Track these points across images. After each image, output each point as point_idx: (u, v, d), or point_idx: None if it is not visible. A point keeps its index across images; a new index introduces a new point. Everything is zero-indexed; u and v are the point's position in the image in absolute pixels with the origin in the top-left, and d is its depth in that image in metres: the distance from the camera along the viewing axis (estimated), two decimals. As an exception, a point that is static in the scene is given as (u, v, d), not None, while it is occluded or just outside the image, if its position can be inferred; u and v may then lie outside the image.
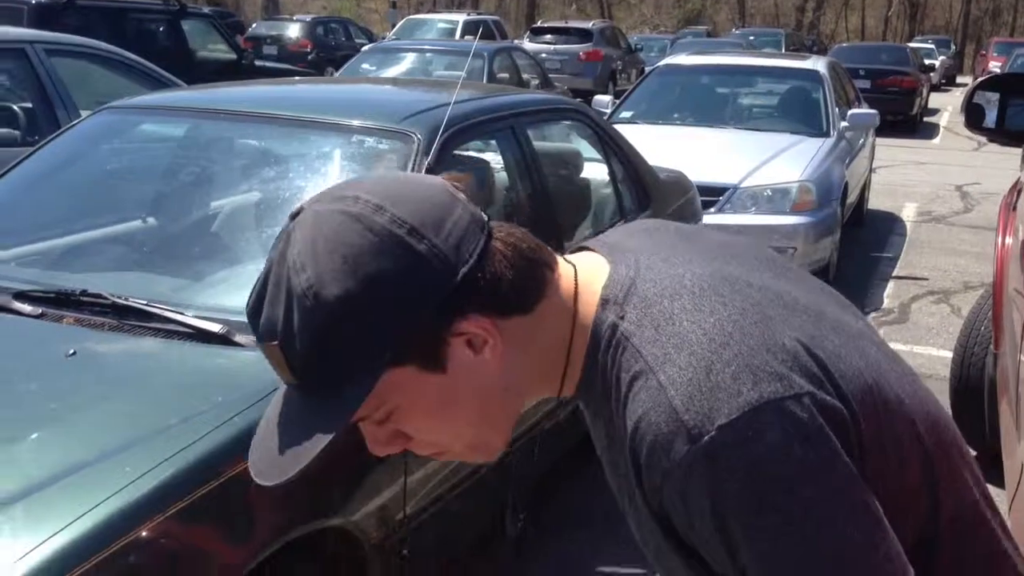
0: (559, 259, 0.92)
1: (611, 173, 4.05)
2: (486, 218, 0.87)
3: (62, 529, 1.67)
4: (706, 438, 0.77)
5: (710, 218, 5.35)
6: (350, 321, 0.80)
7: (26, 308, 2.45)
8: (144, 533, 1.73)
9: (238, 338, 2.32)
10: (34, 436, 1.97)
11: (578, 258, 0.94)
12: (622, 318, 0.86)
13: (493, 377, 0.86)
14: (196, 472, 1.88)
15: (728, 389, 0.79)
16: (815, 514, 0.77)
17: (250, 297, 0.85)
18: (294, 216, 0.86)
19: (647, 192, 4.14)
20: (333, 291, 0.80)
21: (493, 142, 3.51)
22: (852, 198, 7.37)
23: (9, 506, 1.74)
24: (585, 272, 0.91)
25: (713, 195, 5.70)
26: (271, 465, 0.83)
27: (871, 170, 8.98)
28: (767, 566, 0.79)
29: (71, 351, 2.27)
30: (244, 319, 2.38)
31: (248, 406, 2.05)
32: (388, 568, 2.24)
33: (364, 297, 0.80)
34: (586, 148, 4.19)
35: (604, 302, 0.88)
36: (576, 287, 0.90)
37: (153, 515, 1.76)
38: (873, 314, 6.17)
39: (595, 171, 4.21)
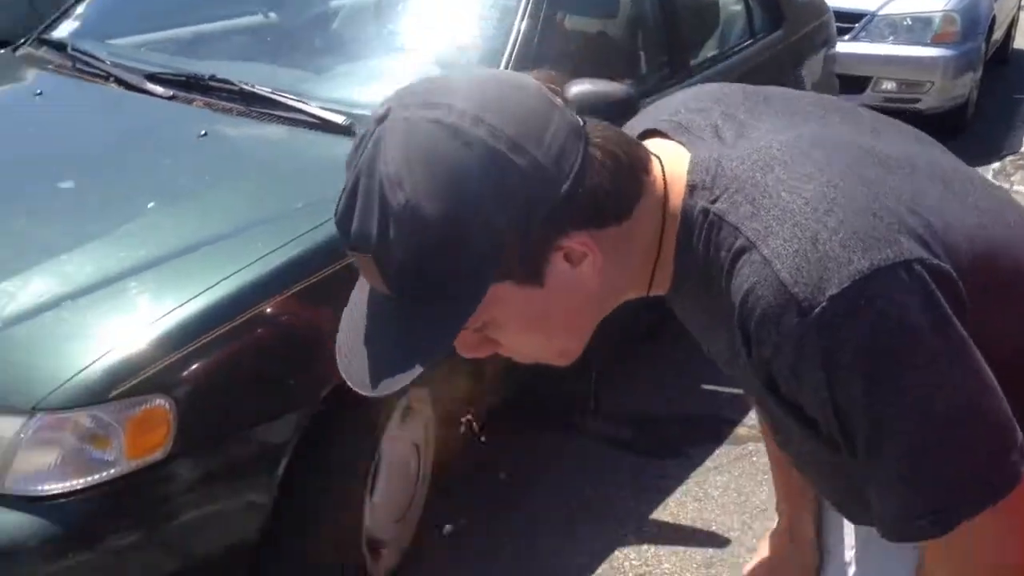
0: (651, 156, 0.87)
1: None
2: (582, 122, 0.82)
3: (192, 298, 1.75)
4: (817, 310, 0.75)
5: (843, 46, 5.06)
6: (448, 241, 0.76)
7: (158, 89, 2.50)
8: (269, 309, 1.80)
9: (359, 130, 2.33)
10: (160, 208, 2.04)
11: (657, 146, 0.89)
12: (713, 202, 0.83)
13: (590, 289, 0.83)
14: (319, 254, 1.92)
15: (837, 258, 0.76)
16: (928, 381, 0.76)
17: (337, 204, 0.80)
18: (380, 120, 0.80)
19: (780, 10, 3.93)
20: (431, 211, 0.75)
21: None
22: (998, 34, 6.88)
23: (142, 274, 1.82)
24: (669, 162, 0.87)
25: (848, 21, 5.37)
26: (371, 377, 0.80)
27: (1020, 7, 8.34)
28: (879, 434, 0.78)
29: (202, 132, 2.32)
30: (365, 112, 2.42)
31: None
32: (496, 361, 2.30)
33: (463, 217, 0.76)
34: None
35: (692, 189, 0.84)
36: (664, 181, 0.85)
37: (280, 291, 1.83)
38: (1010, 157, 5.87)
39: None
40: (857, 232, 0.77)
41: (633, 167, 0.83)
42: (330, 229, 1.99)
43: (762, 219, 0.79)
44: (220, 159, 2.30)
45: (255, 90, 2.44)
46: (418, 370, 0.77)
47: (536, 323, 0.84)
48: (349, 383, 0.81)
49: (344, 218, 0.79)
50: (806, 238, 0.77)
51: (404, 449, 2.06)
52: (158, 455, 1.59)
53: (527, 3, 2.54)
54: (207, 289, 1.77)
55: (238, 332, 1.74)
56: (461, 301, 0.78)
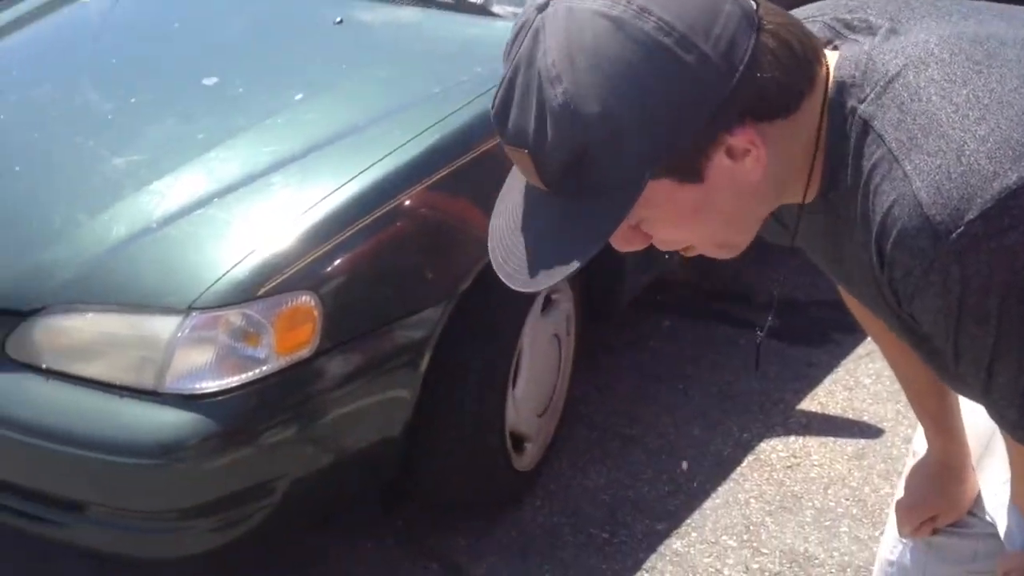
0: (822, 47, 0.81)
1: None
2: (755, 5, 0.75)
3: (336, 190, 1.75)
4: (953, 235, 0.71)
5: None
6: (609, 140, 0.73)
7: (296, -22, 2.48)
8: (408, 200, 1.79)
9: (495, 8, 2.26)
10: (300, 98, 2.04)
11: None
12: (862, 101, 0.78)
13: (750, 186, 0.79)
14: (460, 142, 1.89)
15: (982, 172, 0.71)
16: None
17: (494, 97, 0.76)
18: (540, 9, 0.75)
19: None
20: (592, 108, 0.72)
21: None
22: None
23: (286, 168, 1.83)
24: (828, 57, 0.82)
25: None
26: (529, 271, 0.78)
27: None
28: (1001, 365, 0.76)
29: (337, 19, 2.29)
30: (500, -9, 2.33)
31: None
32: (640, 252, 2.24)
33: (626, 115, 0.72)
34: None
35: (840, 86, 0.79)
36: (827, 77, 0.80)
37: (420, 180, 1.81)
38: None
39: None
40: (1008, 141, 0.71)
41: (807, 58, 0.78)
42: (468, 114, 1.98)
43: (908, 128, 0.75)
44: (356, 46, 2.28)
45: (385, -27, 2.39)
46: (575, 267, 0.75)
47: (693, 218, 0.80)
48: (502, 277, 0.80)
49: (501, 112, 0.77)
50: (951, 151, 0.72)
51: (545, 342, 2.05)
52: (306, 352, 1.63)
53: None
54: (347, 182, 1.77)
55: (378, 225, 1.75)
56: (619, 199, 0.76)
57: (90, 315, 1.65)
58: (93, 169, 1.90)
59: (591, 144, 0.73)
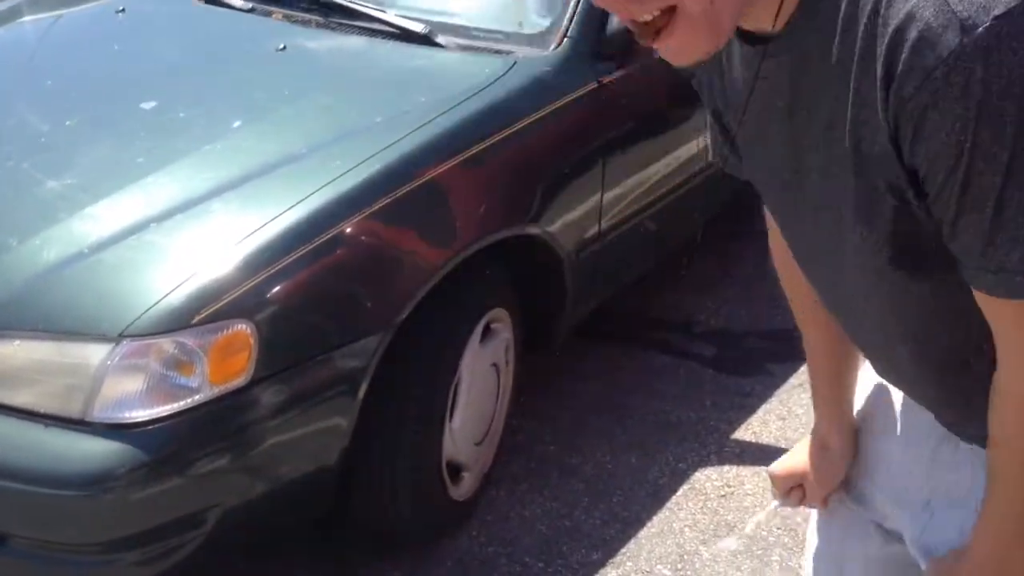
0: None
1: None
2: None
3: (273, 219, 1.75)
4: (980, 29, 0.69)
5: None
6: None
7: (237, 2, 2.47)
8: (348, 228, 1.79)
9: (439, 39, 2.28)
10: (240, 126, 2.04)
11: None
12: None
13: None
14: (400, 171, 1.90)
15: None
16: None
17: None
18: None
19: None
20: None
21: None
22: None
23: (224, 194, 1.82)
24: None
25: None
26: None
27: None
28: (1016, 193, 0.72)
29: (280, 46, 2.29)
30: (448, 20, 2.35)
31: (449, 107, 2.04)
32: (581, 279, 2.26)
33: None
34: None
35: None
36: None
37: (360, 210, 1.81)
38: None
39: None
40: None
41: None
42: (409, 144, 1.99)
43: None
44: (299, 73, 2.27)
45: (333, 0, 2.39)
46: None
47: None
48: None
49: None
50: None
51: (484, 371, 2.06)
52: (240, 380, 1.61)
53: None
54: (286, 210, 1.77)
55: (317, 254, 1.75)
56: None
57: (18, 342, 1.61)
58: (27, 192, 1.87)
59: None
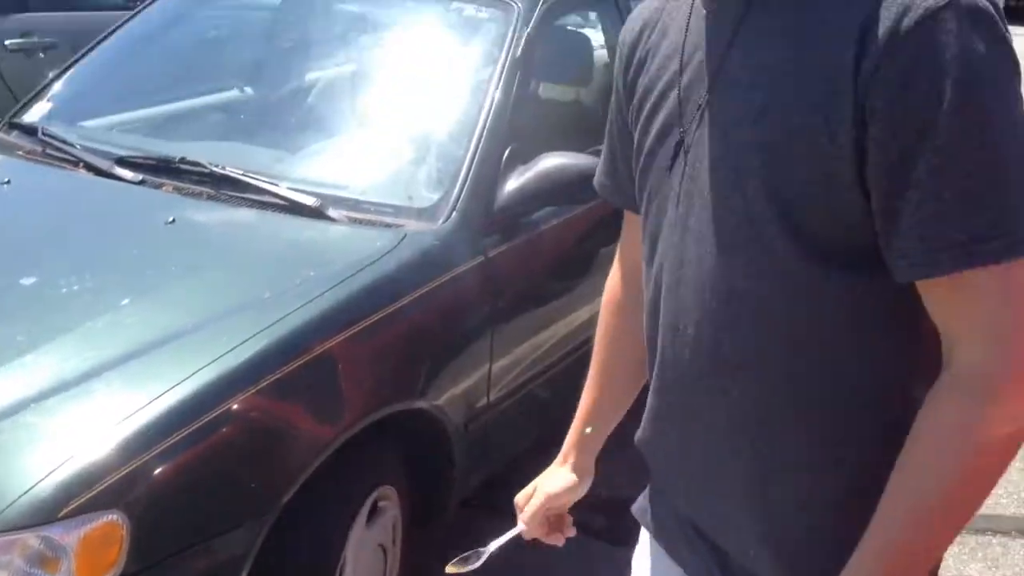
0: None
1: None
2: None
3: (157, 398, 1.71)
4: None
5: None
6: None
7: (127, 174, 2.48)
8: (236, 406, 1.76)
9: (331, 212, 2.32)
10: (125, 301, 2.01)
11: None
12: None
13: None
14: (288, 347, 1.90)
15: None
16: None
17: None
18: None
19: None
20: None
21: (594, 15, 3.37)
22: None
23: (106, 373, 1.78)
24: None
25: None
26: None
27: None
28: (972, 137, 0.77)
29: (170, 219, 2.30)
30: (339, 193, 2.40)
31: (339, 282, 2.06)
32: (471, 451, 2.26)
33: None
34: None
35: None
36: None
37: (246, 387, 1.79)
38: None
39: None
40: None
41: None
42: (298, 319, 1.99)
43: None
44: (188, 247, 2.27)
45: (225, 172, 2.43)
46: None
47: None
48: None
49: None
50: None
51: (370, 553, 2.01)
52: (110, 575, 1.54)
53: (500, 74, 2.54)
54: (169, 389, 1.74)
55: (198, 436, 1.71)
56: None
57: None
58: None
59: None
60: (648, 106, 0.98)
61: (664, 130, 0.95)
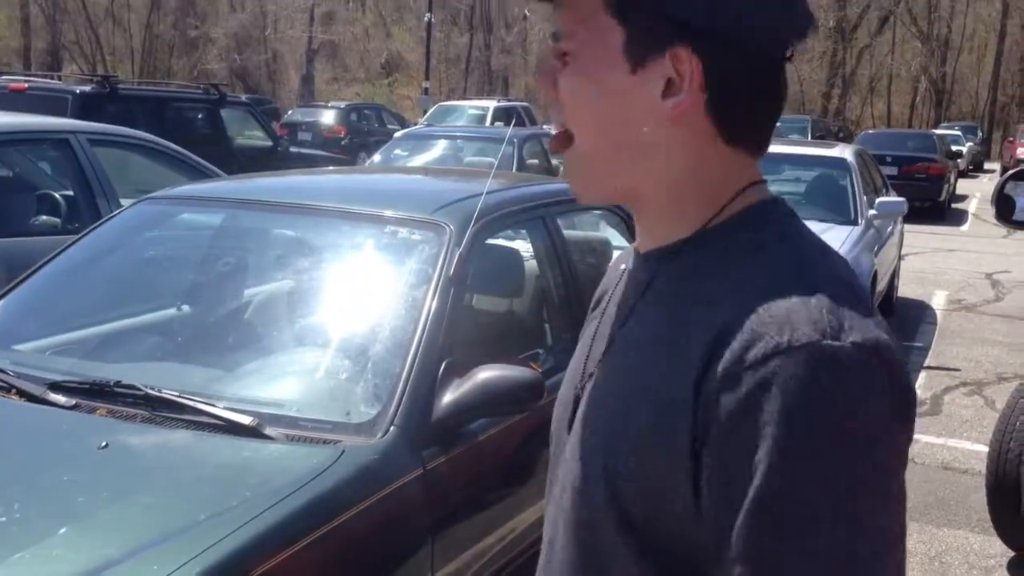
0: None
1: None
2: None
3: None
4: (837, 343, 0.72)
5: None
6: None
7: (60, 399, 2.47)
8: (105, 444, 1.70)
9: (268, 431, 2.33)
10: (62, 531, 1.97)
11: None
12: (789, 222, 0.85)
13: (649, 128, 0.81)
14: (223, 571, 1.86)
15: (863, 320, 0.76)
16: (877, 478, 0.72)
17: None
18: None
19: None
20: None
21: (524, 231, 3.55)
22: (881, 286, 7.34)
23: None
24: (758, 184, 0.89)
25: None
26: None
27: (900, 257, 8.97)
28: (796, 497, 0.69)
29: (103, 443, 2.28)
30: (277, 411, 2.42)
31: (276, 501, 2.05)
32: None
33: None
34: (615, 236, 4.22)
35: (775, 200, 0.87)
36: (757, 181, 0.87)
37: (178, 616, 1.74)
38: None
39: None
40: (875, 315, 0.78)
41: (768, 124, 0.85)
42: (235, 541, 1.96)
43: (823, 261, 0.81)
44: (121, 472, 2.25)
45: (161, 394, 2.44)
46: None
47: (599, 94, 0.82)
48: None
49: None
50: (854, 294, 0.78)
51: None
52: None
53: (435, 290, 2.64)
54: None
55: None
56: None
57: None
58: None
59: None
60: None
61: (568, 385, 0.96)
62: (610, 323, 0.91)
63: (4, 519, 2.02)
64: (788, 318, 0.73)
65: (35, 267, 3.21)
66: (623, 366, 0.84)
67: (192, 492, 2.16)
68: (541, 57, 0.86)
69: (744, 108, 0.82)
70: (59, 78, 15.58)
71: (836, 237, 6.37)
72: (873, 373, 0.73)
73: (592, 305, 1.03)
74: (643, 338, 0.84)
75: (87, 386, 2.50)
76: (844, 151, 8.09)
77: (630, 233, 4.10)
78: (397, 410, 2.39)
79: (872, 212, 7.23)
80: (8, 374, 2.56)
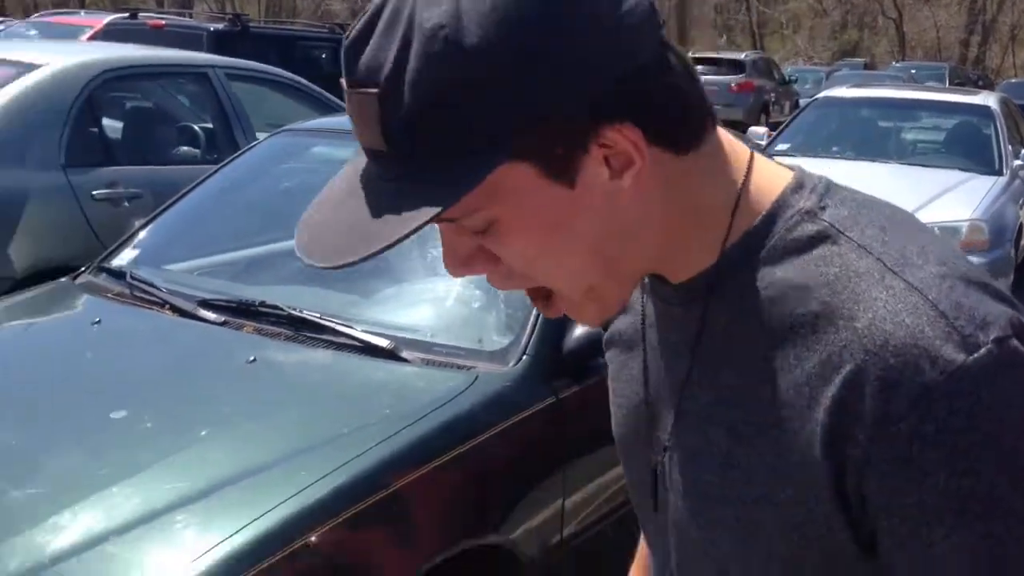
0: (728, 130, 0.76)
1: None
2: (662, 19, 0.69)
3: (238, 531, 1.75)
4: (983, 350, 0.62)
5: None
6: (481, 83, 0.62)
7: (210, 316, 2.59)
8: (314, 539, 1.79)
9: (404, 354, 2.40)
10: (205, 434, 2.08)
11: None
12: (823, 208, 0.70)
13: (623, 214, 0.68)
14: (365, 482, 1.93)
15: (986, 302, 0.65)
16: None
17: (351, 29, 0.67)
18: None
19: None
20: (472, 39, 0.62)
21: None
22: (1026, 240, 7.00)
23: (188, 506, 1.83)
24: (760, 158, 0.75)
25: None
26: (332, 248, 0.66)
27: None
28: (982, 522, 0.62)
29: (251, 358, 2.39)
30: (412, 336, 2.48)
31: (415, 420, 2.12)
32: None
33: (510, 57, 0.62)
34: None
35: (798, 185, 0.72)
36: (751, 163, 0.73)
37: (324, 521, 1.83)
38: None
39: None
40: (998, 292, 0.67)
41: (704, 101, 0.70)
42: (374, 456, 2.04)
43: (897, 247, 0.67)
44: (268, 385, 2.35)
45: (302, 315, 2.52)
46: (390, 242, 0.63)
47: (551, 234, 0.68)
48: (303, 257, 0.68)
49: (355, 45, 0.65)
50: (957, 275, 0.66)
51: None
52: None
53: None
54: (249, 523, 1.77)
55: (279, 568, 1.73)
56: (466, 168, 0.63)
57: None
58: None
59: (456, 84, 0.62)
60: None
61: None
62: (661, 373, 0.78)
63: (161, 423, 2.14)
64: (916, 345, 0.62)
65: (179, 194, 3.35)
66: (720, 451, 0.72)
67: (333, 408, 2.25)
68: (451, 248, 0.71)
69: (675, 112, 0.68)
70: (191, 15, 16.07)
71: (978, 188, 6.10)
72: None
73: (606, 339, 0.90)
74: (732, 407, 0.71)
75: (234, 305, 2.61)
76: (988, 98, 7.71)
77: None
78: (529, 340, 2.42)
79: (1018, 163, 6.88)
80: (161, 290, 2.70)
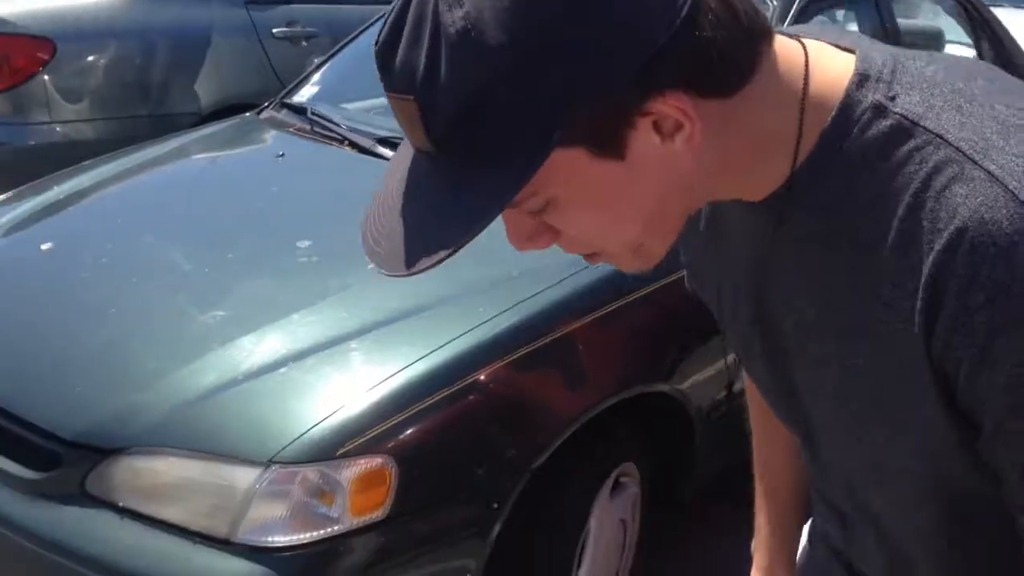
0: (785, 35, 0.71)
1: (979, 59, 3.66)
2: None
3: (420, 359, 1.80)
4: None
5: None
6: (511, 80, 0.61)
7: (389, 153, 2.62)
8: (488, 375, 1.82)
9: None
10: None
11: (804, 39, 0.73)
12: (892, 99, 0.67)
13: (680, 172, 0.67)
14: (539, 323, 1.94)
15: None
16: None
17: (379, 33, 0.64)
18: None
19: (1018, 84, 3.72)
20: (497, 37, 0.60)
21: (851, 12, 3.26)
22: None
23: (375, 331, 1.89)
24: (816, 50, 0.71)
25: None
26: (406, 254, 0.66)
27: None
28: None
29: (427, 195, 2.41)
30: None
31: (585, 265, 2.09)
32: (710, 438, 2.24)
33: (538, 49, 0.61)
34: (952, 28, 3.79)
35: (861, 79, 0.68)
36: (807, 68, 0.69)
37: (500, 357, 1.85)
38: None
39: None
40: None
41: (753, 30, 0.66)
42: (550, 296, 2.03)
43: (975, 128, 0.64)
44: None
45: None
46: (461, 242, 0.63)
47: (609, 206, 0.68)
48: (374, 263, 0.68)
49: (385, 50, 0.64)
50: None
51: (612, 525, 2.03)
52: (378, 515, 1.63)
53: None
54: (430, 352, 1.82)
55: (456, 397, 1.78)
56: (519, 163, 0.63)
57: (171, 459, 1.68)
58: (183, 320, 1.98)
59: (489, 83, 0.61)
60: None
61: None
62: (743, 278, 0.79)
63: (343, 255, 2.19)
64: (994, 244, 0.62)
65: (355, 33, 3.36)
66: (833, 356, 0.74)
67: (506, 249, 2.24)
68: (515, 228, 0.71)
69: (719, 65, 0.64)
70: None
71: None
72: None
73: (687, 278, 0.93)
74: (836, 311, 0.72)
75: (412, 142, 2.62)
76: None
77: (969, 22, 3.67)
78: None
79: None
80: (341, 127, 2.74)
